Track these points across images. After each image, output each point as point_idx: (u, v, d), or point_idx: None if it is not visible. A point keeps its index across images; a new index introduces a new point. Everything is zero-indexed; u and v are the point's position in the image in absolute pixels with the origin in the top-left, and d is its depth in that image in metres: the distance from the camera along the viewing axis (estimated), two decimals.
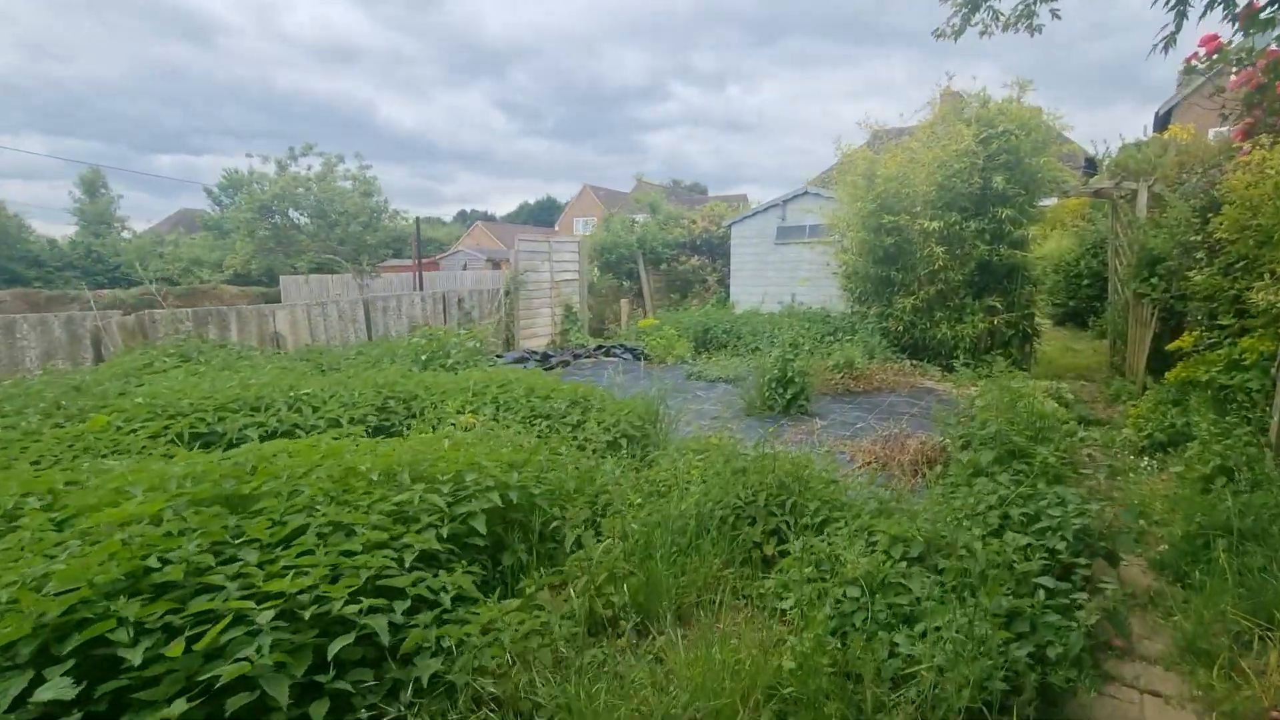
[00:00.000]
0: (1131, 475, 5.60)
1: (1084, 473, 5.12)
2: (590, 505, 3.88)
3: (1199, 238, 6.40)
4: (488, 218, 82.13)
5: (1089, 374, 10.07)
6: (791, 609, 3.10)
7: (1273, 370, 4.81)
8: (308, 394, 4.96)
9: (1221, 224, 5.44)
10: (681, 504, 3.79)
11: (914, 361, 8.78)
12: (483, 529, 2.87)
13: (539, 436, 4.81)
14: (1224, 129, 7.46)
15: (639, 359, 10.46)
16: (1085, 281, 13.18)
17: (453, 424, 4.69)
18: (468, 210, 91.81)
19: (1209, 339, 5.86)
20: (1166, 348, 6.76)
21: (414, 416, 5.19)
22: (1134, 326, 8.26)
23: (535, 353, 9.88)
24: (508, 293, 10.45)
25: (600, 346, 10.91)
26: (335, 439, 4.11)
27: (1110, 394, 8.32)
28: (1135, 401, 7.74)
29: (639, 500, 4.01)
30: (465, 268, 28.79)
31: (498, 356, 9.08)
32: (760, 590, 3.31)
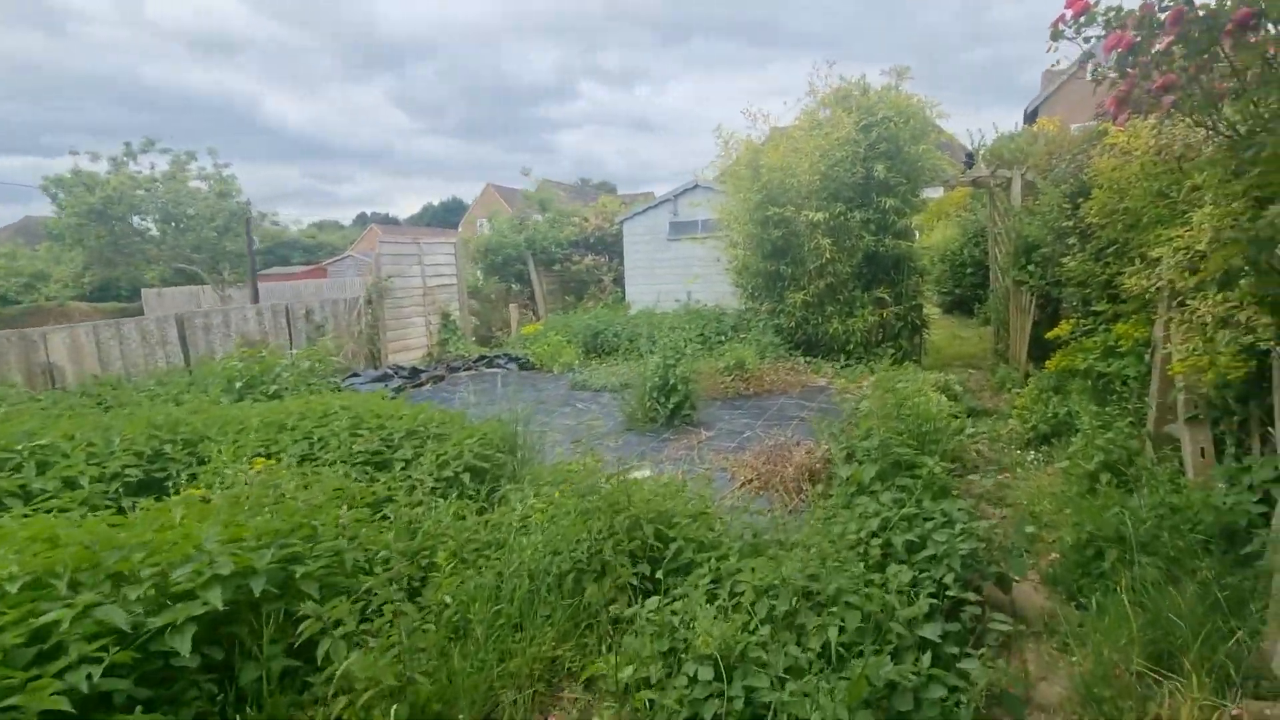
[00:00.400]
0: (1020, 470, 5.44)
1: (971, 478, 4.83)
2: (413, 565, 3.11)
3: (1070, 223, 6.38)
4: (389, 220, 78.04)
5: (976, 361, 10.25)
6: (637, 696, 2.47)
7: (1147, 357, 4.71)
8: (43, 445, 3.84)
9: (1091, 209, 5.34)
10: (515, 559, 3.08)
11: (808, 358, 8.51)
12: (186, 648, 2.03)
13: (362, 480, 3.96)
14: (1091, 122, 7.60)
15: (524, 369, 9.65)
16: (969, 270, 13.60)
17: (243, 473, 3.73)
18: (368, 213, 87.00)
19: (1085, 326, 5.79)
20: (1045, 336, 6.71)
21: (203, 464, 4.18)
22: (1015, 314, 8.35)
23: (403, 368, 8.86)
24: (369, 301, 9.34)
25: (483, 357, 10.00)
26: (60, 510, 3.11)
27: (996, 381, 8.38)
28: (1019, 389, 7.78)
29: (473, 553, 3.27)
30: (360, 275, 26.75)
31: (353, 376, 8.01)
32: (602, 671, 2.65)
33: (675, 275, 11.91)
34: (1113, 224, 5.03)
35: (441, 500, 3.82)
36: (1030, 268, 7.66)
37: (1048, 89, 29.86)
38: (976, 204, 14.42)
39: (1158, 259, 4.07)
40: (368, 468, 4.11)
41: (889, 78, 8.40)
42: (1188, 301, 3.71)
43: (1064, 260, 6.27)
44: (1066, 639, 3.01)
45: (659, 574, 2.97)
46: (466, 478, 4.09)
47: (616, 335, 9.99)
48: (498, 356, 9.95)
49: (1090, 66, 2.95)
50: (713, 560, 3.04)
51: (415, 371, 8.85)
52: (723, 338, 9.39)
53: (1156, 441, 4.35)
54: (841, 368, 8.36)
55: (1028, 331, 7.76)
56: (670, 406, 6.08)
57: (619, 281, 13.38)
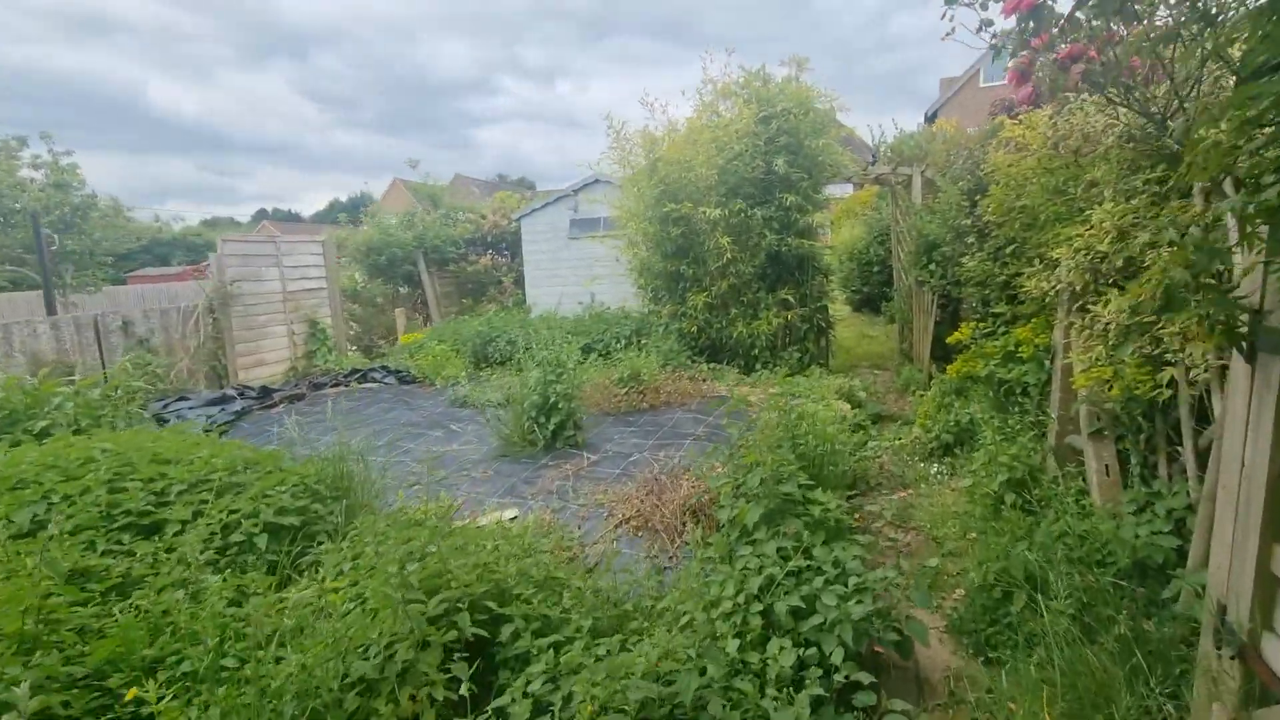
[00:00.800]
0: (924, 486, 5.12)
1: (870, 509, 4.43)
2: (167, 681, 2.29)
3: (969, 221, 6.19)
4: (291, 217, 73.07)
5: (883, 361, 10.17)
6: None
7: (1048, 363, 4.46)
8: None
9: (988, 206, 5.09)
10: (283, 671, 2.30)
11: (712, 364, 8.04)
12: None
13: (117, 552, 3.05)
14: (985, 125, 7.54)
15: (404, 382, 8.67)
16: (875, 268, 13.70)
17: None
18: (268, 209, 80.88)
19: (984, 329, 5.56)
20: (947, 341, 6.48)
21: None
22: (918, 314, 8.22)
23: (251, 388, 7.67)
24: (211, 310, 8.06)
25: (356, 371, 8.92)
26: None
27: (901, 383, 8.22)
28: (923, 391, 7.63)
29: (243, 653, 2.46)
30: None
31: (181, 400, 6.79)
32: None
33: (578, 276, 11.22)
34: (1010, 222, 4.76)
35: (222, 575, 2.96)
36: (931, 267, 7.51)
37: (945, 95, 31.33)
38: (882, 203, 14.59)
39: (1056, 260, 3.77)
40: (126, 535, 3.18)
41: (789, 69, 8.06)
42: (1089, 307, 3.40)
43: (963, 260, 6.06)
44: (976, 714, 2.56)
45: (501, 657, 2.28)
46: (263, 541, 3.24)
47: (510, 343, 9.19)
48: (374, 370, 8.91)
49: (988, 36, 2.50)
50: (551, 652, 2.38)
51: (266, 391, 7.69)
52: (623, 344, 8.79)
53: (1059, 455, 4.07)
54: (745, 374, 7.94)
55: (930, 332, 7.61)
56: (551, 428, 5.39)
57: (520, 283, 12.54)
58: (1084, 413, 3.71)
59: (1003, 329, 5.28)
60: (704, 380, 7.47)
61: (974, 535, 3.94)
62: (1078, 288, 3.61)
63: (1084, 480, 3.75)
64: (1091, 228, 3.41)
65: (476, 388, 7.66)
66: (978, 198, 5.85)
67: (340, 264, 11.80)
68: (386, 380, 8.66)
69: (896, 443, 5.93)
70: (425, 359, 8.74)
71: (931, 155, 8.60)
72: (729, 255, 7.32)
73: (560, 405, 5.40)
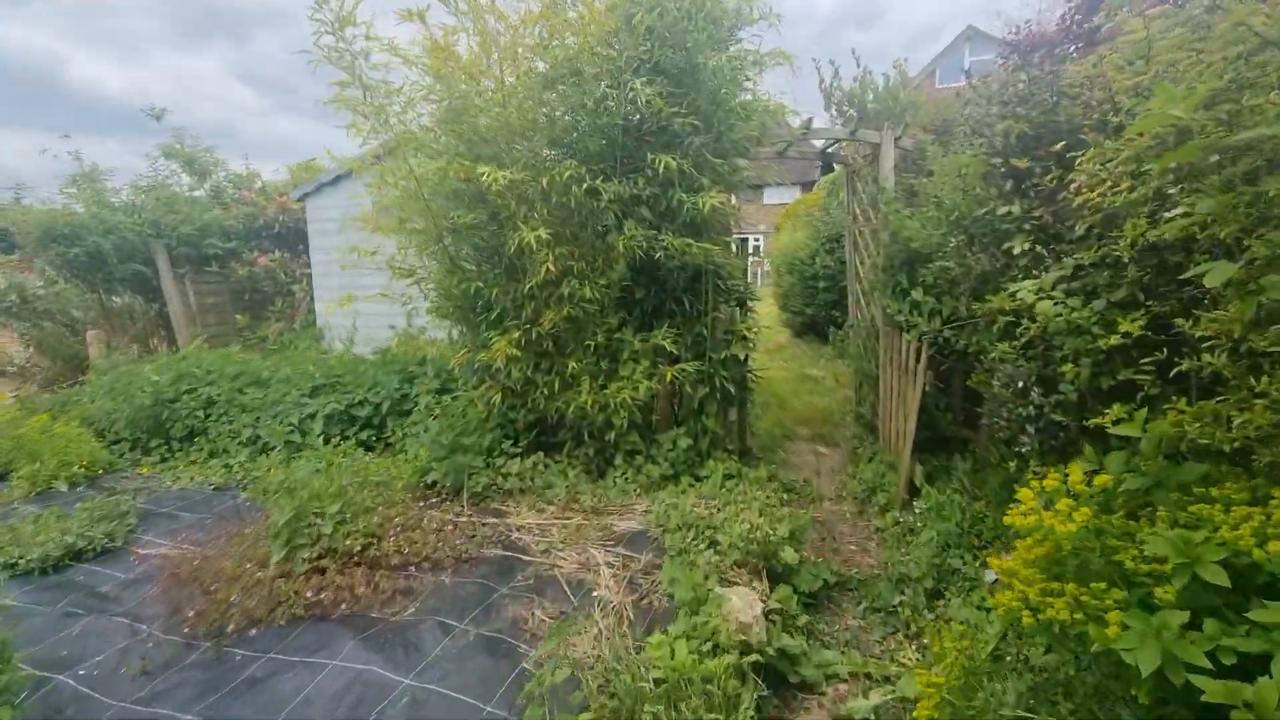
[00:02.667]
0: None
1: None
2: None
3: (1020, 209, 3.03)
4: None
5: (830, 425, 7.04)
6: None
7: None
8: None
9: (1133, 144, 1.88)
10: None
11: (546, 459, 4.65)
12: None
13: None
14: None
15: None
16: (822, 284, 10.67)
17: None
18: None
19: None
20: (948, 430, 3.31)
21: None
22: (888, 369, 5.07)
23: None
24: None
25: None
26: None
27: (861, 483, 5.06)
28: (900, 517, 4.46)
29: None
30: None
31: None
32: None
33: (392, 285, 7.63)
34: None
35: None
36: (918, 296, 4.35)
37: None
38: (832, 200, 11.59)
39: None
40: None
41: None
42: None
43: (1003, 288, 2.91)
44: None
45: None
46: None
47: (209, 406, 5.51)
48: None
49: None
50: None
51: None
52: (411, 408, 5.31)
53: None
54: (597, 476, 4.60)
55: (914, 411, 4.44)
56: None
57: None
58: None
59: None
60: (499, 505, 4.06)
61: None
62: None
63: None
64: None
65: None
66: (1071, 153, 2.71)
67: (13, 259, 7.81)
68: None
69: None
70: (42, 441, 4.97)
71: (914, 112, 5.50)
72: (548, 265, 3.93)
73: None
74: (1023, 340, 2.87)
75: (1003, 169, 3.13)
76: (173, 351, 7.75)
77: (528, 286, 4.23)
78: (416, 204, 4.53)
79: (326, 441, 5.14)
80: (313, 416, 5.14)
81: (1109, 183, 2.20)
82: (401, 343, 7.17)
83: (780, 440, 6.46)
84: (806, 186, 33.37)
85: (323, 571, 3.11)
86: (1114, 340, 2.33)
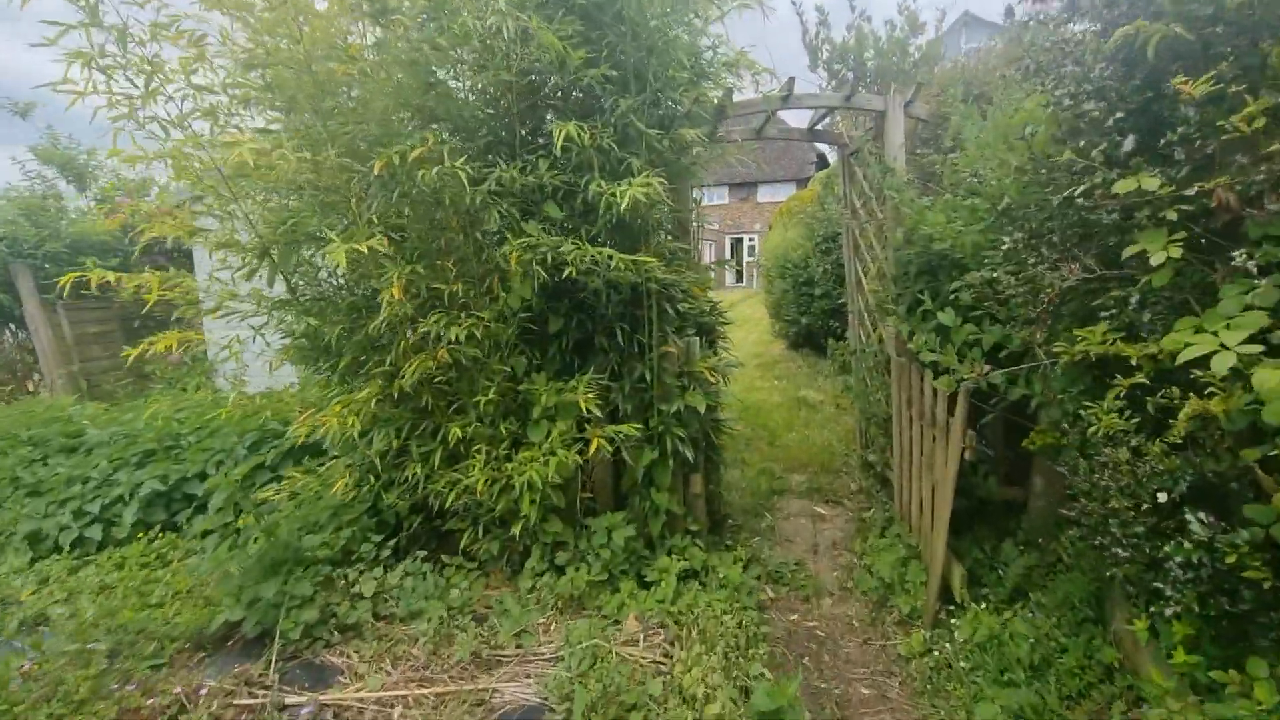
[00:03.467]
0: None
1: None
2: None
3: (1193, 182, 1.69)
4: None
5: (832, 469, 5.71)
6: None
7: None
8: None
9: None
10: None
11: (431, 560, 3.35)
12: None
13: None
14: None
15: None
16: (818, 291, 9.36)
17: None
18: None
19: None
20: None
21: None
22: (904, 413, 3.75)
23: None
24: None
25: None
26: None
27: (874, 574, 3.74)
28: (931, 639, 3.14)
29: None
30: None
31: None
32: None
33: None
34: None
35: None
36: (948, 320, 3.05)
37: None
38: (828, 193, 10.29)
39: None
40: None
41: None
42: None
43: (1144, 323, 1.60)
44: None
45: None
46: None
47: None
48: None
49: None
50: None
51: None
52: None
53: None
54: (509, 578, 3.31)
55: (950, 481, 3.12)
56: None
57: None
58: None
59: None
60: (330, 656, 2.74)
61: None
62: None
63: None
64: None
65: None
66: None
67: None
68: None
69: None
70: None
71: (929, 70, 4.20)
72: (394, 290, 2.62)
73: None
74: (1172, 423, 1.56)
75: (1119, 113, 1.81)
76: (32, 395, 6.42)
77: (376, 324, 2.91)
78: (221, 202, 3.21)
79: (147, 532, 3.81)
80: (125, 499, 3.81)
81: None
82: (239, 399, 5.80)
83: (767, 497, 5.13)
84: (802, 183, 31.96)
85: None
86: None
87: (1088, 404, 2.12)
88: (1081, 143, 2.02)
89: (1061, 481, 3.35)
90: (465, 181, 2.52)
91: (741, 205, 33.11)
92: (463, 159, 2.58)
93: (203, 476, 4.01)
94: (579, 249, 2.78)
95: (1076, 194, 1.95)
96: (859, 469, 5.32)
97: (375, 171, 2.51)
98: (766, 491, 5.23)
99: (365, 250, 2.39)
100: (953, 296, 2.97)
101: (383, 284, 2.72)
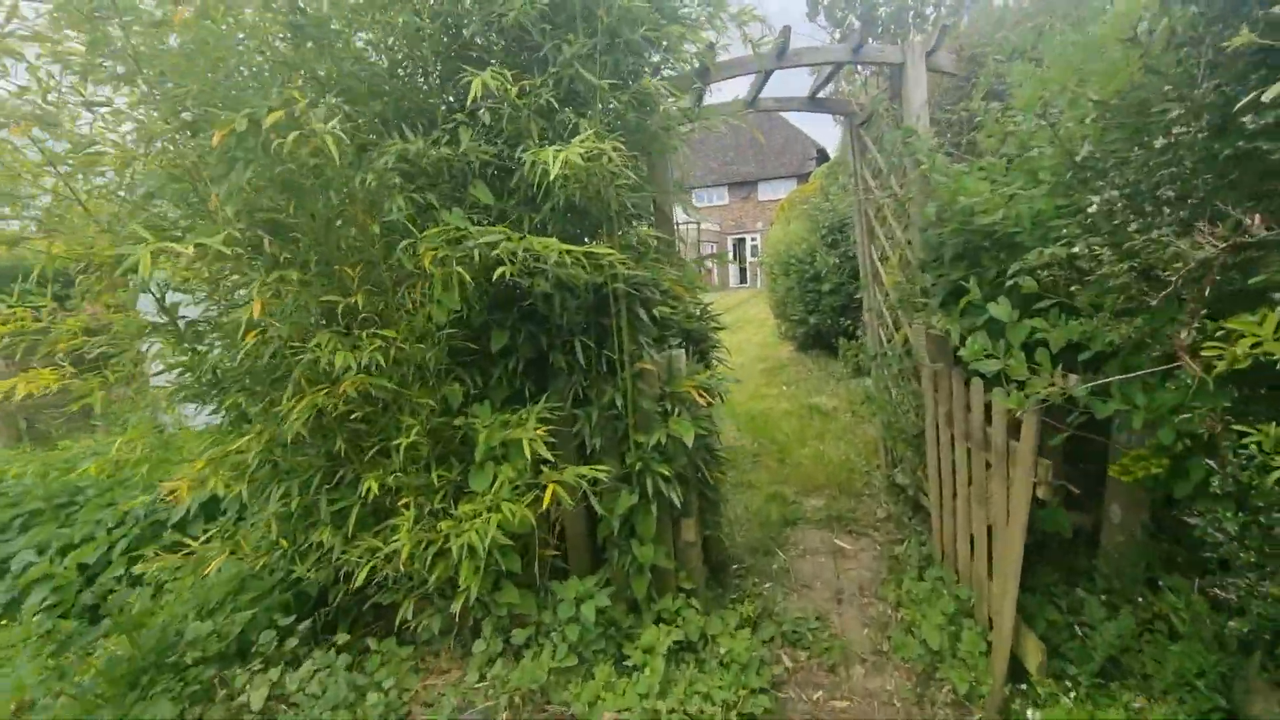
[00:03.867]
0: None
1: None
2: None
3: None
4: None
5: (853, 491, 4.97)
6: None
7: None
8: None
9: None
10: None
11: (355, 647, 2.66)
12: None
13: None
14: None
15: None
16: (826, 287, 8.63)
17: None
18: None
19: None
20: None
21: None
22: (942, 432, 3.03)
23: None
24: None
25: None
26: None
27: (916, 637, 3.01)
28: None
29: None
30: None
31: None
32: None
33: None
34: None
35: None
36: (1003, 314, 2.31)
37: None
38: (831, 182, 9.57)
39: None
40: None
41: None
42: None
43: None
44: None
45: None
46: None
47: None
48: None
49: None
50: None
51: None
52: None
53: None
54: (457, 656, 2.59)
55: (1019, 527, 2.38)
56: None
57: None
58: None
59: None
60: None
61: None
62: None
63: None
64: None
65: None
66: None
67: None
68: None
69: None
70: None
71: (955, 12, 3.48)
72: (258, 307, 1.94)
73: None
74: None
75: None
76: None
77: (247, 352, 2.22)
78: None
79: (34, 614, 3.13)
80: None
81: None
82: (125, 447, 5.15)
83: (779, 530, 4.39)
84: (803, 179, 31.10)
85: None
86: None
87: (1245, 426, 1.41)
88: (1219, 58, 1.30)
89: (1147, 510, 2.63)
90: (335, 153, 1.82)
91: (743, 205, 32.39)
92: (336, 121, 1.88)
93: (91, 541, 3.32)
94: (508, 240, 2.08)
95: (1236, 111, 1.23)
96: (885, 492, 4.58)
97: (214, 143, 1.82)
98: (778, 522, 4.49)
99: (189, 251, 1.70)
100: (1013, 279, 2.24)
101: (245, 298, 2.03)
